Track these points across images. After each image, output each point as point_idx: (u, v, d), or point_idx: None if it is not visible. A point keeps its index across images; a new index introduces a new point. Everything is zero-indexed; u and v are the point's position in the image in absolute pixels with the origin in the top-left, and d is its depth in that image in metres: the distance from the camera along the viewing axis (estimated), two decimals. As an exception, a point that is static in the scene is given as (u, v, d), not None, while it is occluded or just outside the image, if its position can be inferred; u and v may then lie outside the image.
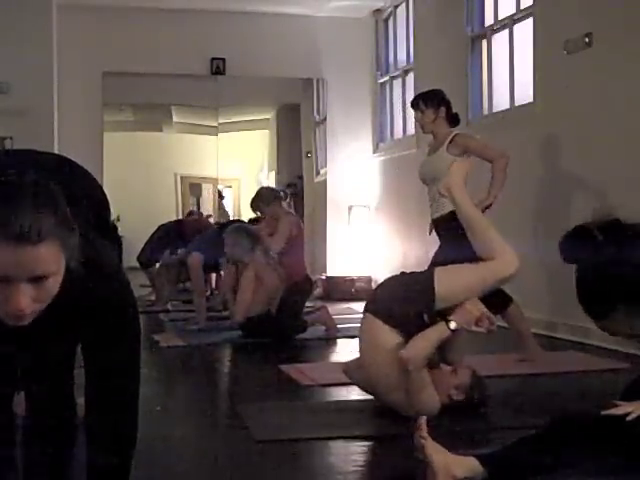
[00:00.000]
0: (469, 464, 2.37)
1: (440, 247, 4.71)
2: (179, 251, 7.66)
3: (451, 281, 3.43)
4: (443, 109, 4.84)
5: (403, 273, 3.65)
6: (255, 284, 6.01)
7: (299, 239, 6.18)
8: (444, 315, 3.29)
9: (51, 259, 1.53)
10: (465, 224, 3.62)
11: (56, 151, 8.73)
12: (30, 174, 1.59)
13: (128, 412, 1.97)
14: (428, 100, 4.88)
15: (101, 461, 1.93)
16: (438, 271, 3.52)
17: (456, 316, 3.25)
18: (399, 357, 3.22)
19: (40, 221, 1.50)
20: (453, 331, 3.23)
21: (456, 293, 3.41)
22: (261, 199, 6.27)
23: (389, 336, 3.35)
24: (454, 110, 4.91)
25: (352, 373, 3.67)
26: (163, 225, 8.48)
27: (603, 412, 2.42)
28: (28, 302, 1.53)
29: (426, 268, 4.06)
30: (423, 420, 2.50)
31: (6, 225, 1.48)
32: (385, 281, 3.70)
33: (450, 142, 4.73)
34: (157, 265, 8.22)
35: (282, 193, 6.41)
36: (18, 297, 1.52)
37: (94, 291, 1.80)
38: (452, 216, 4.59)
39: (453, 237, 4.19)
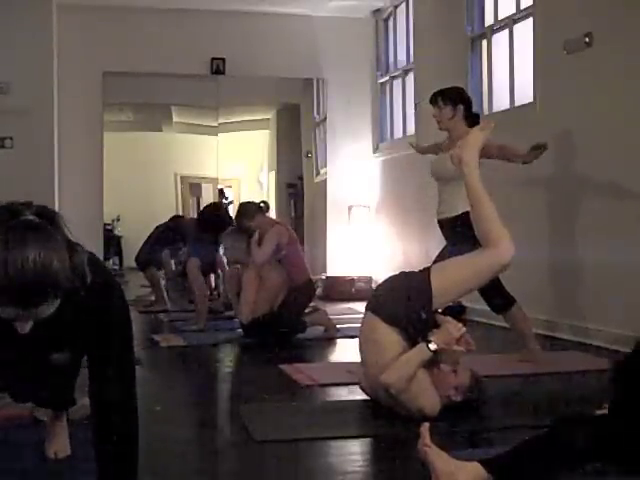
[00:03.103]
0: (473, 470, 2.34)
1: (445, 248, 4.63)
2: (180, 252, 7.74)
3: (447, 277, 3.47)
4: (461, 107, 4.70)
5: (402, 272, 3.66)
6: (258, 284, 6.00)
7: (294, 245, 6.16)
8: (425, 336, 3.32)
9: (50, 308, 1.80)
10: (471, 202, 3.59)
11: (56, 151, 8.76)
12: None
13: (128, 399, 2.17)
14: (447, 97, 4.73)
15: (110, 453, 2.13)
16: (434, 268, 3.56)
17: (436, 337, 3.29)
18: (380, 381, 3.26)
19: (41, 285, 1.74)
20: (434, 352, 3.28)
21: (453, 288, 3.48)
22: (244, 215, 6.21)
23: (389, 335, 3.37)
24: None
25: (361, 381, 3.66)
26: (160, 225, 8.46)
27: (598, 412, 2.42)
28: (28, 327, 1.84)
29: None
30: (426, 427, 2.49)
31: (10, 292, 1.72)
32: (385, 280, 3.71)
33: None
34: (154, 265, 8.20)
35: (263, 204, 6.37)
36: (19, 327, 1.83)
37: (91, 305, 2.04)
38: (461, 220, 4.53)
39: (459, 240, 4.16)
